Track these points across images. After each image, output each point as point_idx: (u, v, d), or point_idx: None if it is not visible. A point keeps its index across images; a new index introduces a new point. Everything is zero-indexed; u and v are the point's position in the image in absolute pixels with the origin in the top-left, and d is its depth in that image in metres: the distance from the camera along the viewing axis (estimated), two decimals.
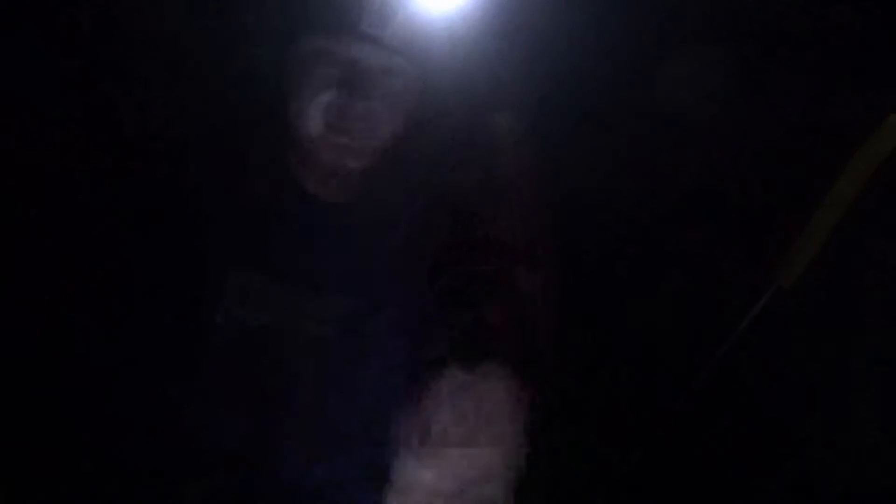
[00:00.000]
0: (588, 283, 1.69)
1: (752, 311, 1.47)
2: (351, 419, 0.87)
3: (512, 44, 0.96)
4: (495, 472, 0.66)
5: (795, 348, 1.47)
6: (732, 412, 1.54)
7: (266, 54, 0.75)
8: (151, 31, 0.79)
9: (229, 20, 0.77)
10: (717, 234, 1.55)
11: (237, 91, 0.81)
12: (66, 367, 0.71)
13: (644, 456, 1.59)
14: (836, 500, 1.41)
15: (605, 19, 1.42)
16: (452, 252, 0.80)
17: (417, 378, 0.68)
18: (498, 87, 0.89)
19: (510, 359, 0.70)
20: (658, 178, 1.59)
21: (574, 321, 1.70)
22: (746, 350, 1.49)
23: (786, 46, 1.40)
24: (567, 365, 1.71)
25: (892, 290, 1.37)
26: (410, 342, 0.77)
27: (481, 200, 0.79)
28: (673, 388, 1.56)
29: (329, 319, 0.81)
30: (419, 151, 0.81)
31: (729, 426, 1.55)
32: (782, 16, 1.39)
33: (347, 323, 0.82)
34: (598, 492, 1.63)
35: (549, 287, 0.81)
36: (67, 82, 0.76)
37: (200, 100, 0.80)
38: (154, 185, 0.76)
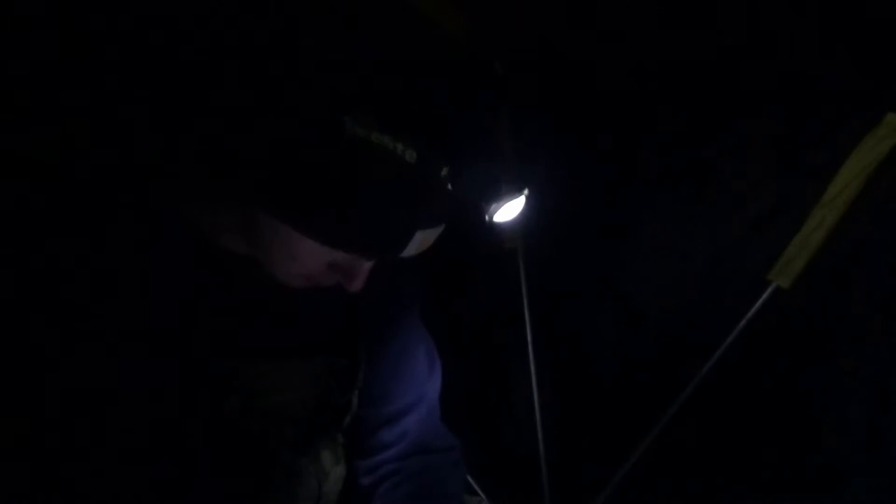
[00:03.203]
0: (590, 281, 1.70)
1: (751, 311, 1.48)
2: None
3: None
4: None
5: (792, 347, 1.47)
6: (730, 411, 1.54)
7: None
8: None
9: None
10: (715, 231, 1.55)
11: None
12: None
13: (643, 454, 1.59)
14: (830, 497, 1.41)
15: None
16: None
17: None
18: None
19: None
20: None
21: (577, 321, 1.71)
22: (745, 349, 1.49)
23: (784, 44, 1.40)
24: (568, 364, 1.72)
25: (891, 289, 1.37)
26: None
27: None
28: (672, 388, 1.57)
29: (305, 384, 0.79)
30: None
31: (726, 425, 1.55)
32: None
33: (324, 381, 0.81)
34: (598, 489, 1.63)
35: None
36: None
37: None
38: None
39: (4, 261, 0.63)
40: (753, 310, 1.48)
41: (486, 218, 1.44)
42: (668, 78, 1.49)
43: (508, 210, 1.47)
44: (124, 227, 0.67)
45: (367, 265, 0.67)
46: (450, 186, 0.59)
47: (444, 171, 0.58)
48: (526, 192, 1.46)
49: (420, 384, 0.90)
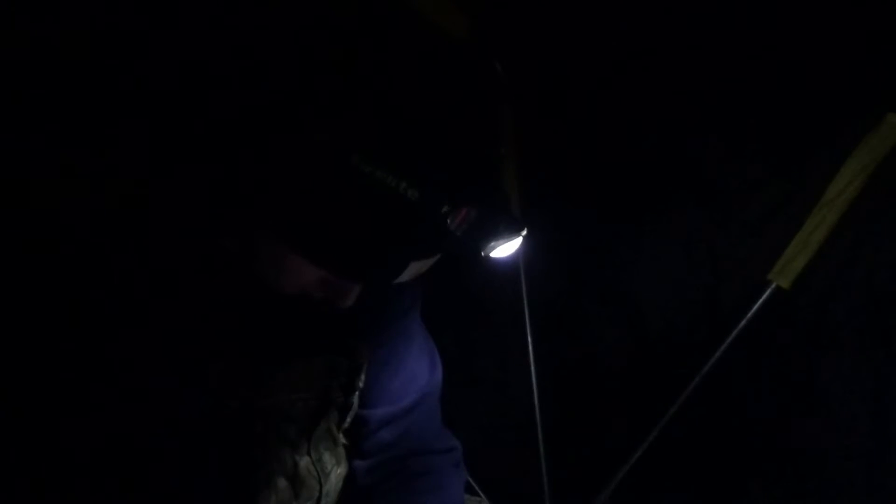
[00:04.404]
0: (590, 281, 1.70)
1: (751, 311, 1.48)
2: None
3: None
4: None
5: (792, 347, 1.47)
6: (730, 411, 1.54)
7: None
8: None
9: None
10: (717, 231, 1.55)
11: None
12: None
13: (643, 454, 1.59)
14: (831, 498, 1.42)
15: None
16: None
17: None
18: None
19: None
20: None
21: (577, 321, 1.72)
22: (745, 349, 1.50)
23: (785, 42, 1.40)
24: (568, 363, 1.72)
25: (890, 289, 1.37)
26: None
27: None
28: (672, 388, 1.57)
29: (307, 385, 0.79)
30: None
31: (726, 425, 1.55)
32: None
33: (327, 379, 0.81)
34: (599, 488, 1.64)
35: None
36: None
37: None
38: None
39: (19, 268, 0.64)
40: (753, 310, 1.48)
41: (482, 254, 1.44)
42: (668, 78, 1.50)
43: (505, 248, 1.47)
44: (127, 229, 0.68)
45: (358, 286, 0.68)
46: (449, 222, 0.61)
47: (445, 209, 0.60)
48: (524, 232, 1.46)
49: (421, 385, 0.90)
